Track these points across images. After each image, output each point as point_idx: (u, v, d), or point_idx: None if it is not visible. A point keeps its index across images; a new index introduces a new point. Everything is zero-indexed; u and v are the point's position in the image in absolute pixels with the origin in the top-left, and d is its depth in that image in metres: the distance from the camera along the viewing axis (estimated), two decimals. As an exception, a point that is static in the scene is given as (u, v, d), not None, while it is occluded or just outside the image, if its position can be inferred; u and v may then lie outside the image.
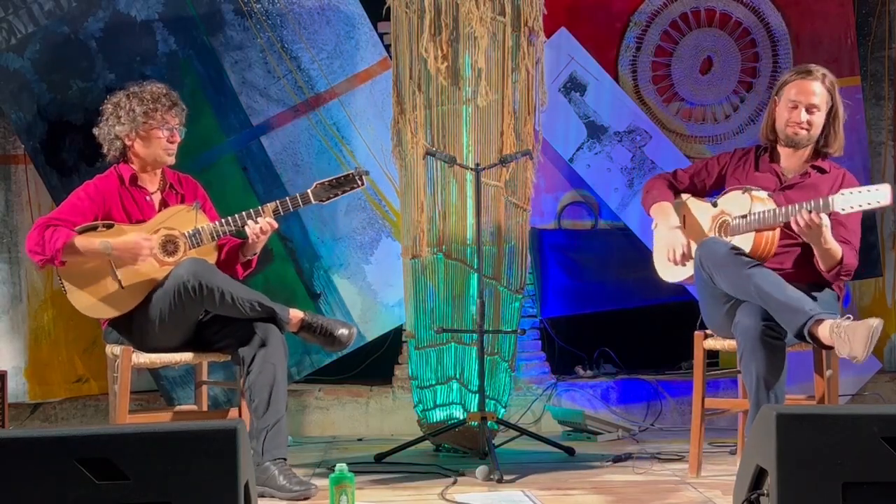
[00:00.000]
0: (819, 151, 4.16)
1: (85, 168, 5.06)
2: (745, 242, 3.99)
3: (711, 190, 4.33)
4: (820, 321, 3.70)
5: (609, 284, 5.74)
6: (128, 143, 4.17)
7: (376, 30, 5.36)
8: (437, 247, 4.77)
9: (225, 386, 5.10)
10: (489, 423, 4.48)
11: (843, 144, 4.17)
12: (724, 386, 5.40)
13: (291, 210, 4.15)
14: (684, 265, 4.15)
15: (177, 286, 3.97)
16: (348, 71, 5.35)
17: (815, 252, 3.94)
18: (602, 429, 5.18)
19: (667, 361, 5.74)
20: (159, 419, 4.21)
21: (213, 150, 5.27)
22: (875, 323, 3.58)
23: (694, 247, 4.18)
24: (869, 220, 5.52)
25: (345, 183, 4.19)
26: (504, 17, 4.72)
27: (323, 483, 3.86)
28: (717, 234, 4.12)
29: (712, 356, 4.73)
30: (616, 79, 5.74)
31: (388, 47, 5.15)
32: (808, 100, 4.08)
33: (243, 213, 4.12)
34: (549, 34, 5.03)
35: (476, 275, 4.61)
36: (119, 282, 4.05)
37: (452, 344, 4.79)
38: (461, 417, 4.71)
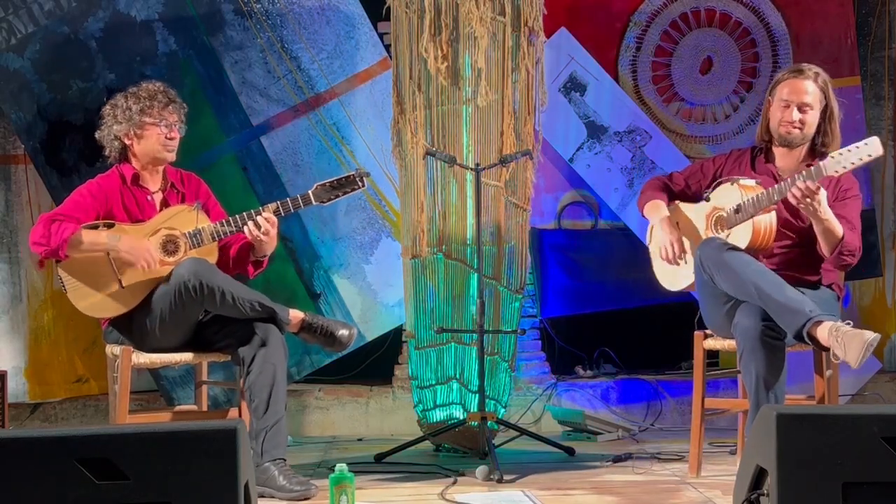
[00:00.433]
0: (816, 151, 4.16)
1: (85, 168, 5.06)
2: (744, 232, 3.97)
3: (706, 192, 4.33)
4: (819, 322, 3.70)
5: (609, 284, 5.74)
6: (127, 142, 4.18)
7: (376, 30, 5.36)
8: (437, 247, 4.77)
9: (225, 386, 5.10)
10: (489, 423, 4.48)
11: (840, 143, 4.17)
12: (724, 386, 5.40)
13: (292, 211, 4.15)
14: (678, 264, 4.14)
15: (177, 286, 3.97)
16: (348, 71, 5.35)
17: (817, 230, 3.91)
18: (602, 429, 5.18)
19: (667, 361, 5.74)
20: (159, 419, 4.21)
21: (213, 150, 5.27)
22: (871, 338, 3.57)
23: (687, 244, 4.18)
24: (869, 220, 5.52)
25: (346, 184, 4.19)
26: (504, 17, 4.72)
27: (323, 483, 3.86)
28: (714, 231, 4.12)
29: (712, 356, 4.73)
30: (616, 79, 5.74)
31: (388, 47, 5.15)
32: (800, 98, 4.08)
33: (244, 213, 4.12)
34: (549, 34, 5.03)
35: (476, 275, 4.61)
36: (119, 281, 4.05)
37: (452, 344, 4.79)
38: (461, 417, 4.71)
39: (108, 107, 4.22)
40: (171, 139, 4.18)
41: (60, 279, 4.09)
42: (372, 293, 5.38)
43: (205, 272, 3.99)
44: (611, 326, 5.80)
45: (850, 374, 5.37)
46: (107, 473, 2.57)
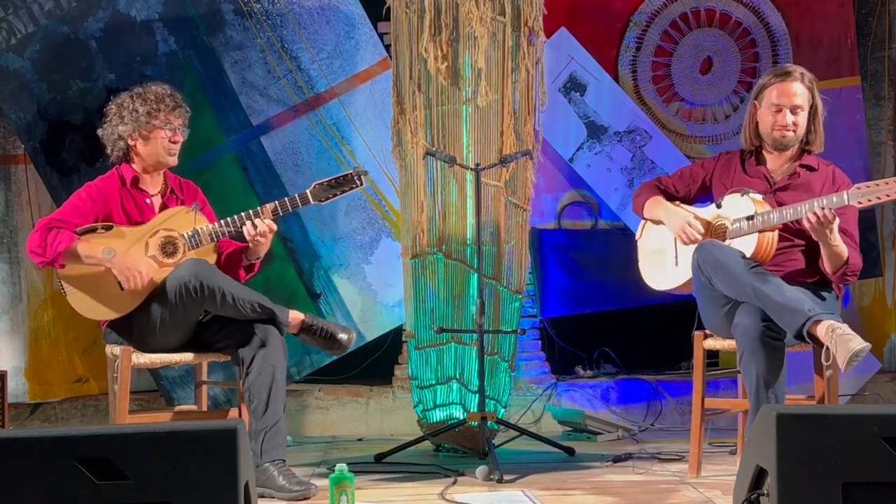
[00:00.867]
0: (802, 149, 4.16)
1: (85, 168, 5.06)
2: (747, 245, 3.98)
3: (697, 196, 4.33)
4: (819, 321, 3.70)
5: (609, 284, 5.73)
6: (131, 143, 4.17)
7: (376, 30, 5.36)
8: (437, 247, 4.77)
9: (225, 386, 5.10)
10: (489, 423, 4.48)
11: (824, 140, 4.18)
12: (724, 386, 5.40)
13: (290, 210, 4.15)
14: (699, 241, 4.12)
15: (178, 286, 3.97)
16: (348, 71, 5.35)
17: (823, 252, 3.93)
18: (602, 429, 5.18)
19: (667, 361, 5.74)
20: (159, 419, 4.21)
21: (213, 150, 5.27)
22: (857, 348, 3.57)
23: (683, 247, 4.17)
24: (869, 220, 5.52)
25: (344, 183, 4.19)
26: (504, 17, 4.72)
27: (323, 483, 3.86)
28: (712, 238, 4.12)
29: (712, 356, 4.73)
30: (616, 79, 5.74)
31: (388, 47, 5.15)
32: (791, 101, 4.08)
33: (242, 214, 4.12)
34: (549, 34, 5.03)
35: (476, 275, 4.61)
36: (119, 284, 4.05)
37: (452, 344, 4.79)
38: (461, 417, 4.71)
39: (113, 105, 4.20)
40: (174, 143, 4.18)
41: (60, 282, 4.09)
42: (372, 293, 5.38)
43: (205, 273, 3.99)
44: (611, 326, 5.80)
45: (850, 373, 5.37)
46: (107, 473, 2.57)
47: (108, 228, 4.09)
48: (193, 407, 4.42)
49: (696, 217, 4.16)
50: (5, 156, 5.40)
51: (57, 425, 5.37)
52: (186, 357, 4.12)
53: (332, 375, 5.57)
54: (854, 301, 5.71)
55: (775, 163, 4.18)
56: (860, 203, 3.81)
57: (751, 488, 2.84)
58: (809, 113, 4.11)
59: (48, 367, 5.39)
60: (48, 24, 5.11)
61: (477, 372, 4.52)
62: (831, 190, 4.03)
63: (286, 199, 4.15)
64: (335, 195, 4.18)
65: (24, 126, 5.13)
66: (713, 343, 4.14)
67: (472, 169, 4.63)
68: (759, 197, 4.06)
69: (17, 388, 5.28)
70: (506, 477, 4.13)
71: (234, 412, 4.19)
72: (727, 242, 4.04)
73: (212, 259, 4.15)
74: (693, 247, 4.08)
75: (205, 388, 4.39)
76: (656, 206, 4.28)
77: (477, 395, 4.53)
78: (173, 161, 4.21)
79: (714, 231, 4.14)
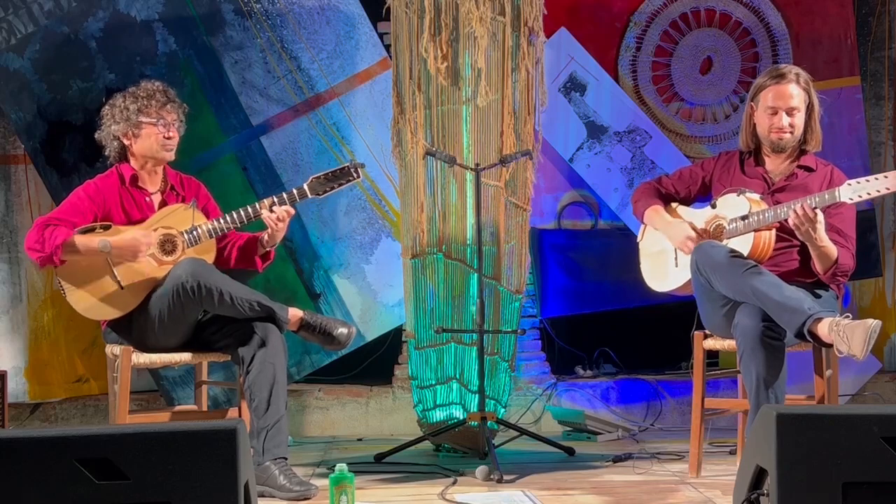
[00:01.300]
0: (800, 150, 4.16)
1: (85, 168, 5.06)
2: (744, 244, 3.98)
3: (697, 196, 4.33)
4: (819, 319, 3.70)
5: (609, 284, 5.73)
6: (125, 142, 4.18)
7: (376, 30, 5.36)
8: (437, 247, 4.77)
9: (225, 386, 5.10)
10: (489, 423, 4.48)
11: (821, 139, 4.17)
12: (724, 386, 5.40)
13: (288, 204, 4.15)
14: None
15: (175, 286, 3.97)
16: (348, 71, 5.35)
17: (812, 253, 3.94)
18: (602, 429, 5.18)
19: (667, 361, 5.74)
20: (159, 419, 4.21)
21: (213, 150, 5.27)
22: (873, 323, 3.57)
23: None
24: (869, 220, 5.52)
25: (340, 176, 4.19)
26: (504, 17, 4.72)
27: (323, 483, 3.86)
28: (710, 238, 4.12)
29: (712, 356, 4.73)
30: (616, 79, 5.74)
31: (388, 47, 5.15)
32: (787, 104, 4.08)
33: (240, 210, 4.13)
34: (549, 34, 5.03)
35: (476, 275, 4.61)
36: (118, 282, 4.05)
37: (452, 344, 4.79)
38: (461, 417, 4.71)
39: (106, 107, 4.23)
40: (169, 139, 4.18)
41: (59, 282, 4.09)
42: (372, 293, 5.38)
43: (203, 272, 3.99)
44: (611, 326, 5.80)
45: (850, 374, 5.37)
46: (107, 473, 2.57)
47: (107, 228, 4.09)
48: (193, 407, 4.42)
49: (693, 227, 4.15)
50: (5, 156, 5.40)
51: (57, 425, 5.37)
52: (186, 357, 4.12)
53: (332, 375, 5.57)
54: (854, 301, 5.71)
55: (774, 163, 4.18)
56: (851, 199, 3.80)
57: (751, 488, 2.84)
58: (806, 112, 4.11)
59: (48, 367, 5.39)
60: (48, 24, 5.11)
61: (477, 372, 4.52)
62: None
63: (283, 193, 4.16)
64: (332, 188, 4.19)
65: (24, 126, 5.13)
66: (713, 343, 4.15)
67: (472, 169, 4.63)
68: (756, 196, 4.05)
69: (17, 388, 5.28)
70: (506, 477, 4.13)
71: (234, 412, 4.19)
72: (724, 242, 4.04)
73: (211, 256, 4.15)
74: None
75: (205, 388, 4.39)
76: (655, 216, 4.28)
77: (477, 395, 4.53)
78: (170, 156, 4.21)
79: (714, 231, 4.14)
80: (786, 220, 3.94)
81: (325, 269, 5.36)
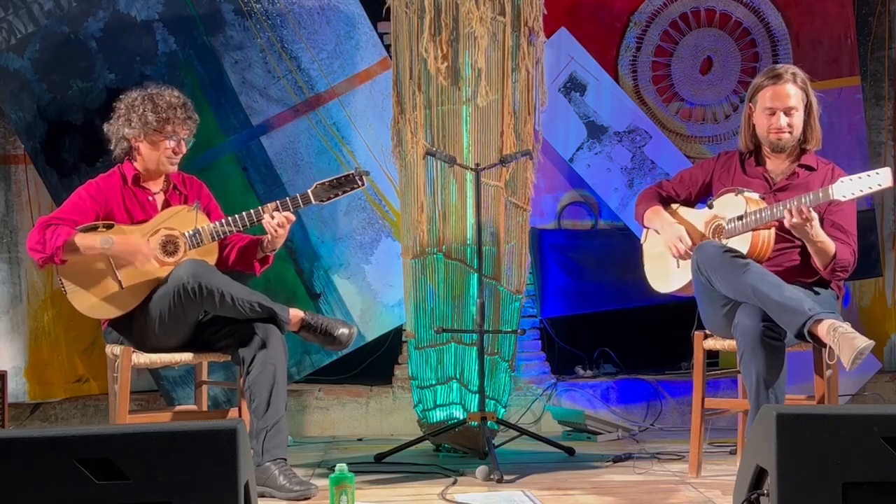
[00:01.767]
0: (801, 149, 4.16)
1: (85, 168, 5.06)
2: (742, 244, 3.99)
3: (698, 198, 4.34)
4: (819, 320, 3.70)
5: (609, 284, 5.73)
6: (135, 144, 4.18)
7: (376, 30, 5.36)
8: (437, 247, 4.77)
9: (225, 386, 5.10)
10: (489, 423, 4.48)
11: (821, 137, 4.17)
12: (724, 386, 5.40)
13: (291, 210, 4.16)
14: (689, 258, 4.14)
15: (176, 287, 3.97)
16: (348, 71, 5.35)
17: (809, 249, 3.95)
18: (602, 429, 5.18)
19: (667, 361, 5.74)
20: (159, 419, 4.21)
21: (213, 150, 5.27)
22: (862, 346, 3.57)
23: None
24: (869, 220, 5.52)
25: (345, 183, 4.19)
26: (504, 17, 4.72)
27: (323, 483, 3.86)
28: (712, 238, 4.12)
29: (712, 356, 4.73)
30: (616, 79, 5.74)
31: (388, 47, 5.15)
32: (785, 104, 4.08)
33: (244, 213, 4.13)
34: (549, 34, 5.03)
35: (476, 275, 4.61)
36: (119, 282, 4.05)
37: (452, 344, 4.79)
38: (461, 417, 4.71)
39: (123, 105, 4.18)
40: (177, 154, 4.18)
41: (61, 281, 4.09)
42: (372, 293, 5.38)
43: (203, 274, 3.99)
44: (611, 326, 5.80)
45: (850, 374, 5.36)
46: (107, 473, 2.57)
47: (109, 227, 4.09)
48: (193, 407, 4.42)
49: (690, 231, 4.16)
50: (5, 156, 5.40)
51: (57, 425, 5.37)
52: (186, 357, 4.12)
53: (332, 375, 5.57)
54: (854, 301, 5.71)
55: (774, 163, 4.19)
56: (844, 196, 3.80)
57: (751, 488, 2.84)
58: (805, 111, 4.11)
59: (48, 367, 5.39)
60: (48, 24, 5.11)
61: (477, 372, 4.52)
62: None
63: (287, 198, 4.16)
64: (336, 195, 4.19)
65: (24, 126, 5.13)
66: (713, 343, 4.15)
67: (472, 169, 4.63)
68: (754, 195, 4.05)
69: (17, 388, 5.28)
70: (506, 477, 4.13)
71: (234, 412, 4.19)
72: (723, 242, 4.04)
73: (213, 258, 4.15)
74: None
75: (205, 388, 4.39)
76: (655, 216, 4.30)
77: (477, 395, 4.53)
78: (172, 170, 4.22)
79: (713, 231, 4.14)
80: (782, 219, 3.94)
81: (325, 269, 5.36)
